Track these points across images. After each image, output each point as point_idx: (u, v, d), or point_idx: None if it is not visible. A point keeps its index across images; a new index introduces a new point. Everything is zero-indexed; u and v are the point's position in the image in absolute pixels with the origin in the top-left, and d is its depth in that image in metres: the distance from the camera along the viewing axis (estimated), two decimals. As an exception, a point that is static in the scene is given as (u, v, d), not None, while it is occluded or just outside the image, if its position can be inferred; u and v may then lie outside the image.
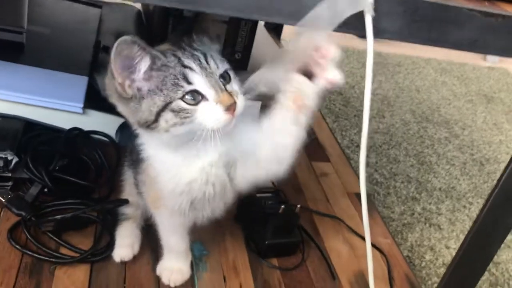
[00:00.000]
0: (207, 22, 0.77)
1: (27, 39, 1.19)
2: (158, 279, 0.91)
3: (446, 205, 1.71)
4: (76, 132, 1.10)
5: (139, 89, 0.68)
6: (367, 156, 1.90)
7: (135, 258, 0.94)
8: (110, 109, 1.11)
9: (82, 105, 1.09)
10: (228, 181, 0.78)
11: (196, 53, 0.70)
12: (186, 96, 0.67)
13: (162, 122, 0.68)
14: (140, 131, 0.74)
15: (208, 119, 0.68)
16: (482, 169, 1.97)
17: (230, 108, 0.68)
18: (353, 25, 0.58)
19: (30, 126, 1.07)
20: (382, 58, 2.73)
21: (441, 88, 2.59)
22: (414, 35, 0.61)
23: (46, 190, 0.99)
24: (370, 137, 2.00)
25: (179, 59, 0.69)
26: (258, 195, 1.04)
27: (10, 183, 0.99)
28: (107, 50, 1.33)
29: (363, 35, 0.58)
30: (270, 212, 0.99)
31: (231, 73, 0.72)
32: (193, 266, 0.94)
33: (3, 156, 0.97)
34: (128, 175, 0.99)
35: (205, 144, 0.71)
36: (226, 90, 0.69)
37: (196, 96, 0.68)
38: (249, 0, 0.55)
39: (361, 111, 0.71)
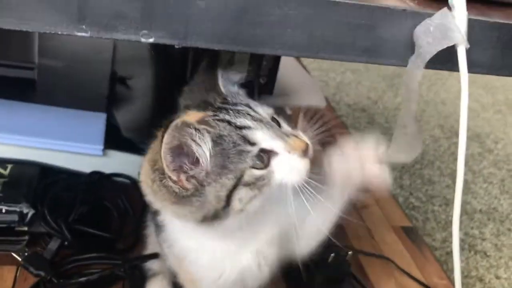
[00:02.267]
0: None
1: (38, 75, 1.10)
2: None
3: (490, 228, 1.60)
4: (96, 176, 1.00)
5: (195, 178, 0.55)
6: (400, 178, 1.78)
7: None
8: (132, 148, 1.03)
9: (102, 147, 0.99)
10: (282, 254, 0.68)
11: (240, 107, 0.59)
12: (256, 161, 0.56)
13: (235, 203, 0.56)
14: (193, 227, 0.60)
15: (288, 174, 0.57)
16: (522, 186, 1.85)
17: (306, 151, 0.57)
18: (436, 61, 0.48)
19: (46, 171, 0.98)
20: (402, 69, 2.63)
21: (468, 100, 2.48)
22: (507, 67, 0.51)
23: (66, 243, 0.89)
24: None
25: (229, 122, 0.57)
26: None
27: (26, 238, 0.90)
28: (123, 81, 1.24)
29: (451, 69, 0.48)
30: (317, 261, 0.88)
31: (275, 114, 0.62)
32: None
33: (18, 209, 0.87)
34: (151, 229, 0.88)
35: (265, 218, 0.61)
36: (289, 134, 0.59)
37: (264, 157, 0.56)
38: (316, 34, 0.44)
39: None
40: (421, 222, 1.56)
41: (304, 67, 1.82)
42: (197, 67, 1.25)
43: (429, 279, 1.02)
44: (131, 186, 1.04)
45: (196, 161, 0.55)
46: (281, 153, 0.57)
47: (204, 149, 0.54)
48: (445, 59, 0.48)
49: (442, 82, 2.61)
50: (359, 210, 1.19)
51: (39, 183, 0.95)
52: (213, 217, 0.57)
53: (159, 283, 0.86)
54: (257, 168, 0.56)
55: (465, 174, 1.93)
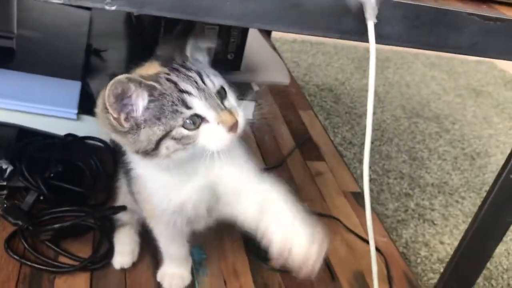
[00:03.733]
0: (201, 26, 0.76)
1: (17, 44, 1.17)
2: (159, 285, 0.91)
3: (439, 200, 1.73)
4: (70, 138, 1.09)
5: (135, 120, 0.66)
6: (359, 153, 1.90)
7: (135, 264, 0.93)
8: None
9: (76, 111, 1.08)
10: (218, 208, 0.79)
11: (191, 74, 0.68)
12: (187, 121, 0.66)
13: (162, 150, 0.66)
14: (135, 156, 0.72)
15: (211, 141, 0.67)
16: (473, 164, 1.98)
17: (233, 127, 0.67)
18: (354, 31, 0.58)
19: (23, 133, 1.06)
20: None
21: (431, 83, 2.61)
22: (414, 40, 0.61)
23: (42, 198, 0.98)
24: (361, 134, 2.01)
25: (176, 84, 0.66)
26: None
27: (5, 192, 0.98)
28: (98, 53, 1.32)
29: (365, 41, 0.58)
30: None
31: (226, 87, 0.71)
32: (193, 271, 0.94)
33: (-2, 165, 0.96)
34: (122, 183, 0.98)
35: (197, 167, 0.71)
36: (225, 107, 0.68)
37: (196, 120, 0.66)
38: (248, 9, 0.54)
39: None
40: (376, 193, 1.68)
41: (274, 47, 1.91)
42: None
43: (371, 237, 1.13)
44: (103, 149, 1.14)
45: (136, 108, 0.65)
46: (211, 122, 0.67)
47: (141, 101, 0.65)
48: (359, 32, 0.58)
49: (408, 66, 2.74)
50: (313, 176, 1.30)
51: (17, 143, 1.04)
52: (144, 153, 0.68)
53: (127, 232, 0.96)
54: (186, 129, 0.66)
55: (421, 151, 2.08)
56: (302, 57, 2.59)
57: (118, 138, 0.69)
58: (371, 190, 1.68)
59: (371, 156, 1.87)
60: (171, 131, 0.65)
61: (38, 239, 0.92)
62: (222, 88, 0.70)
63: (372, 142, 1.96)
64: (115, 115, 0.64)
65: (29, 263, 0.88)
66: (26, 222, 0.92)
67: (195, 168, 0.73)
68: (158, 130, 0.65)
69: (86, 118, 1.11)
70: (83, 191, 1.02)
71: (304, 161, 1.35)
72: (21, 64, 1.15)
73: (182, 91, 0.66)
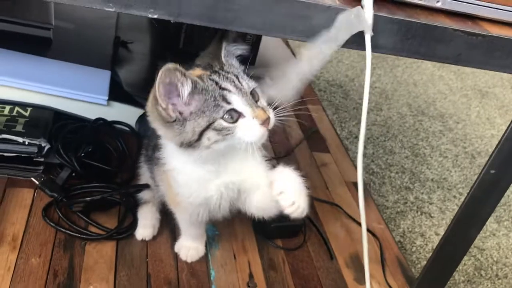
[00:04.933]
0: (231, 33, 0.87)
1: (54, 35, 1.29)
2: (176, 255, 1.02)
3: (438, 195, 1.83)
4: (100, 122, 1.21)
5: (181, 113, 0.76)
6: (364, 147, 2.01)
7: (155, 237, 1.05)
8: (131, 101, 1.23)
9: (106, 98, 1.19)
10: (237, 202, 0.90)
11: (229, 75, 0.79)
12: (226, 116, 0.76)
13: (204, 140, 0.77)
14: (176, 150, 0.82)
15: (246, 133, 0.77)
16: (473, 162, 2.08)
17: (265, 122, 0.77)
18: (354, 42, 0.69)
19: (58, 116, 1.18)
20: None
21: (438, 83, 2.69)
22: (406, 50, 0.72)
23: (74, 174, 1.10)
24: (367, 129, 2.11)
25: (217, 82, 0.77)
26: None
27: (42, 167, 1.10)
28: (125, 45, 1.43)
29: (362, 50, 0.69)
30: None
31: (258, 90, 0.81)
32: (207, 245, 1.06)
33: (38, 143, 1.07)
34: (144, 169, 1.09)
35: (228, 163, 0.83)
36: (259, 106, 0.79)
37: (234, 115, 0.76)
38: (269, 19, 0.65)
39: (360, 103, 0.83)
40: (378, 185, 1.79)
41: (288, 44, 2.01)
42: (188, 38, 1.45)
43: (369, 224, 1.24)
44: (129, 133, 1.25)
45: (183, 100, 0.75)
46: (247, 117, 0.77)
47: (185, 90, 0.75)
48: (358, 42, 0.68)
49: (417, 65, 2.82)
50: (318, 166, 1.41)
51: (53, 125, 1.16)
52: (187, 145, 0.78)
53: (149, 209, 1.07)
54: (226, 121, 0.76)
55: (424, 148, 2.18)
56: (314, 53, 2.67)
57: (165, 132, 0.79)
58: (373, 183, 1.79)
59: (375, 150, 1.98)
60: (213, 122, 0.76)
61: (71, 210, 1.04)
62: (255, 90, 0.80)
63: (377, 138, 2.06)
64: (163, 105, 0.74)
65: (63, 230, 1.00)
66: (61, 194, 1.04)
67: (226, 164, 0.84)
68: (202, 121, 0.75)
69: (115, 104, 1.23)
70: (110, 170, 1.14)
71: (310, 152, 1.46)
72: (57, 53, 1.26)
73: (222, 88, 0.77)
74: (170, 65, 0.72)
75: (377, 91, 2.42)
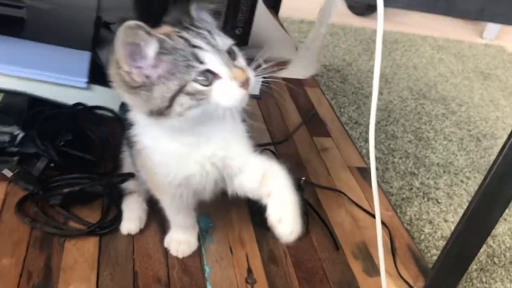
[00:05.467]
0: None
1: (27, 14, 1.18)
2: (166, 251, 0.92)
3: (444, 180, 1.74)
4: (80, 107, 1.11)
5: (148, 76, 0.66)
6: (365, 133, 1.91)
7: (142, 230, 0.95)
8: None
9: (86, 80, 1.09)
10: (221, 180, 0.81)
11: (201, 31, 0.69)
12: (199, 77, 0.66)
13: (176, 107, 0.67)
14: (146, 120, 0.72)
15: (224, 97, 0.67)
16: (479, 145, 1.99)
17: (244, 83, 0.68)
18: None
19: (34, 101, 1.08)
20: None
21: (438, 65, 2.60)
22: (423, 4, 0.62)
23: (52, 164, 1.00)
24: (368, 114, 2.01)
25: (187, 40, 0.67)
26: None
27: (16, 158, 1.00)
28: (107, 26, 1.33)
29: (373, 3, 0.59)
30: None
31: (235, 48, 0.72)
32: (200, 238, 0.96)
33: (10, 131, 0.97)
34: (126, 155, 0.99)
35: (206, 134, 0.73)
36: (236, 66, 0.69)
37: (209, 76, 0.67)
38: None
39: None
40: (381, 171, 1.69)
41: (282, 26, 1.91)
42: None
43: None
44: (112, 118, 1.15)
45: (149, 61, 0.66)
46: (223, 78, 0.67)
47: (150, 50, 0.65)
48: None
49: (416, 48, 2.73)
50: (319, 151, 1.31)
51: (28, 112, 1.05)
52: (157, 113, 0.68)
53: (135, 199, 0.97)
54: (200, 84, 0.66)
55: (427, 131, 2.07)
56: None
57: (131, 99, 0.69)
58: (376, 168, 1.69)
59: (377, 135, 1.88)
60: (185, 86, 0.66)
61: (48, 203, 0.94)
62: (231, 48, 0.70)
63: (378, 122, 1.97)
64: (126, 69, 0.65)
65: (39, 225, 0.90)
66: (37, 186, 0.94)
67: (206, 135, 0.74)
68: (172, 85, 0.66)
69: (96, 87, 1.12)
70: (92, 159, 1.04)
71: (310, 137, 1.36)
72: (32, 34, 1.16)
73: (194, 46, 0.67)
74: (130, 22, 0.62)
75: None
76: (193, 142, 0.75)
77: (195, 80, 0.66)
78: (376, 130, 1.97)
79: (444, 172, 1.78)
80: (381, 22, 0.60)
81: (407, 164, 1.76)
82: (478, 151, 1.95)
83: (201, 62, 0.66)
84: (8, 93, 1.05)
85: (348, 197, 1.16)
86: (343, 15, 2.93)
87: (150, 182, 0.85)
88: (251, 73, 0.70)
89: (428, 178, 1.72)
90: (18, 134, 0.98)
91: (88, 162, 1.04)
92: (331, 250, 1.02)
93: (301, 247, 1.01)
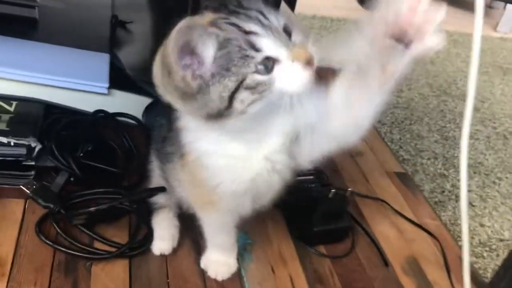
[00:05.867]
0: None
1: (40, 14, 1.09)
2: (202, 272, 0.84)
3: (476, 181, 1.65)
4: (101, 114, 1.01)
5: (202, 77, 0.58)
6: (390, 132, 1.82)
7: (175, 250, 0.86)
8: (136, 89, 1.04)
9: (107, 85, 1.00)
10: (291, 163, 0.70)
11: (251, 13, 0.59)
12: (259, 67, 0.57)
13: (237, 105, 0.58)
14: (203, 125, 0.63)
15: (289, 83, 0.58)
16: (506, 143, 1.91)
17: (308, 62, 0.58)
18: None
19: (50, 109, 0.99)
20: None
21: (455, 60, 2.52)
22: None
23: (72, 179, 0.91)
24: (390, 112, 1.93)
25: (238, 26, 0.58)
26: (299, 177, 0.96)
27: (33, 173, 0.91)
28: (124, 25, 1.24)
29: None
30: (317, 197, 0.92)
31: (290, 23, 0.61)
32: (239, 257, 0.87)
33: (26, 143, 0.88)
34: (155, 166, 0.90)
35: (267, 125, 0.64)
36: (295, 44, 0.59)
37: (268, 63, 0.57)
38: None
39: None
40: (411, 174, 1.60)
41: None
42: (196, 12, 1.26)
43: (421, 220, 1.06)
44: (135, 126, 1.06)
45: (202, 61, 0.57)
46: (284, 62, 0.58)
47: (209, 50, 0.56)
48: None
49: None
50: (354, 156, 1.22)
51: (44, 121, 0.96)
52: (217, 116, 0.59)
53: (166, 215, 0.88)
54: (260, 74, 0.57)
55: (452, 130, 1.98)
56: (322, 33, 2.50)
57: (186, 106, 0.61)
58: (405, 171, 1.61)
59: (402, 135, 1.80)
60: (244, 80, 0.57)
61: (71, 223, 0.85)
62: (286, 25, 0.60)
63: (401, 121, 1.88)
64: (181, 74, 0.56)
65: (63, 249, 0.81)
66: (57, 204, 0.85)
67: (265, 128, 0.65)
68: (230, 82, 0.57)
69: (117, 93, 1.03)
70: (116, 171, 0.95)
71: (342, 140, 1.28)
72: (45, 35, 1.07)
73: (247, 32, 0.57)
74: (186, 22, 0.54)
75: (394, 71, 2.24)
76: (254, 138, 0.66)
77: (255, 72, 0.57)
78: (400, 130, 1.89)
79: (475, 173, 1.69)
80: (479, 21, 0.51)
81: (436, 165, 1.68)
82: (507, 149, 1.86)
83: (258, 50, 0.57)
84: (22, 101, 0.95)
85: (391, 207, 1.07)
86: (354, 10, 2.85)
87: (201, 200, 0.76)
88: (313, 49, 0.60)
89: (459, 180, 1.62)
90: (35, 146, 0.89)
91: (111, 175, 0.95)
92: (379, 266, 0.93)
93: (348, 264, 0.92)
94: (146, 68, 1.13)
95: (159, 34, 1.24)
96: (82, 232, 0.85)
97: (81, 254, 0.81)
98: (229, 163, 0.67)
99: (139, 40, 1.22)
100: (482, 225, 1.47)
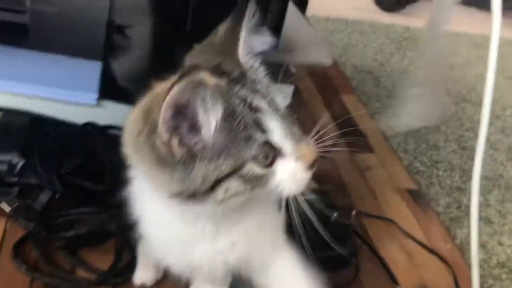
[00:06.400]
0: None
1: (31, 20, 1.04)
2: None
3: (495, 195, 1.56)
4: (89, 127, 0.96)
5: (190, 148, 0.49)
6: (405, 142, 1.74)
7: (160, 280, 0.80)
8: (128, 99, 0.97)
9: (96, 96, 0.94)
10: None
11: (258, 86, 0.51)
12: (259, 155, 0.49)
13: (219, 193, 0.49)
14: (161, 197, 0.54)
15: (287, 183, 0.51)
16: (529, 154, 1.81)
17: (313, 164, 0.51)
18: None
19: (36, 121, 0.94)
20: (411, 33, 2.56)
21: (476, 64, 2.42)
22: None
23: (57, 196, 0.86)
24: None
25: (245, 100, 0.49)
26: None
27: (16, 190, 0.86)
28: (121, 30, 1.18)
29: None
30: (319, 220, 0.85)
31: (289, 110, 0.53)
32: (232, 284, 0.81)
33: (8, 159, 0.83)
34: None
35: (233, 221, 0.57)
36: (301, 138, 0.52)
37: (269, 152, 0.50)
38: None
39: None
40: (425, 187, 1.52)
41: (311, 26, 1.76)
42: (198, 18, 1.20)
43: (434, 243, 1.00)
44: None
45: (196, 129, 0.49)
46: (288, 156, 0.51)
47: (211, 118, 0.48)
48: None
49: (450, 46, 2.55)
50: (363, 170, 1.15)
51: (29, 133, 0.91)
52: (189, 197, 0.50)
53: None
54: (260, 165, 0.50)
55: (470, 139, 1.88)
56: (336, 36, 2.42)
57: (155, 176, 0.51)
58: (419, 184, 1.53)
59: (418, 145, 1.72)
60: (241, 167, 0.49)
61: (52, 245, 0.80)
62: (286, 110, 0.52)
63: (417, 130, 1.80)
64: (165, 138, 0.48)
65: (39, 275, 0.75)
66: (39, 224, 0.80)
67: (232, 222, 0.58)
68: (224, 165, 0.48)
69: (108, 104, 0.98)
70: (103, 189, 0.89)
71: (350, 153, 1.21)
72: (34, 42, 1.02)
73: (255, 109, 0.49)
74: (197, 77, 0.45)
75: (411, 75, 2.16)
76: (211, 230, 0.58)
77: (254, 159, 0.49)
78: (415, 139, 1.80)
79: (494, 186, 1.60)
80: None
81: (452, 177, 1.59)
82: (529, 161, 1.77)
83: (263, 131, 0.49)
84: (6, 111, 0.90)
85: (401, 228, 1.00)
86: (370, 12, 2.77)
87: None
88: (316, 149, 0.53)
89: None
90: (17, 162, 0.84)
91: (98, 193, 0.89)
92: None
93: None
94: (140, 77, 1.08)
95: (158, 42, 1.18)
96: (64, 255, 0.79)
97: (61, 282, 0.75)
98: (165, 239, 0.60)
99: (136, 47, 1.17)
100: (500, 244, 1.38)
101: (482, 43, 2.66)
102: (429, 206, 1.14)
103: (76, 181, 0.87)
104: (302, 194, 0.54)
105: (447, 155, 1.71)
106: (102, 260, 0.80)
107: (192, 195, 0.50)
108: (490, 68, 0.53)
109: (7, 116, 0.90)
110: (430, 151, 1.71)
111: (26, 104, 0.92)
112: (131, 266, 0.79)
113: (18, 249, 0.78)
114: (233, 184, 0.49)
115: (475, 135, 1.86)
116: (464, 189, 1.56)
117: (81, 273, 0.78)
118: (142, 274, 0.78)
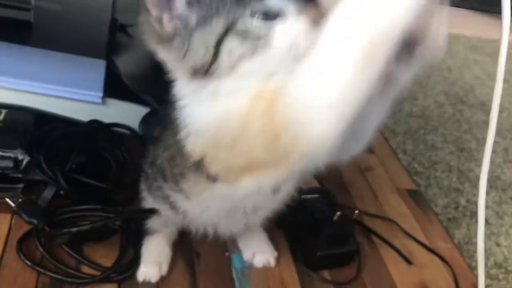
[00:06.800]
0: None
1: (35, 17, 1.04)
2: (196, 299, 0.78)
3: (492, 196, 1.57)
4: (94, 125, 0.96)
5: (183, 21, 0.51)
6: (404, 143, 1.74)
7: (167, 275, 0.80)
8: (133, 98, 0.98)
9: (101, 94, 0.95)
10: None
11: None
12: (256, 13, 0.49)
13: (224, 58, 0.50)
14: (193, 88, 0.55)
15: (292, 40, 0.50)
16: (526, 156, 1.83)
17: (317, 15, 0.50)
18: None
19: (41, 119, 0.94)
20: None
21: (473, 67, 2.44)
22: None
23: (62, 193, 0.86)
24: (404, 122, 1.86)
25: None
26: (303, 196, 0.90)
27: (21, 186, 0.86)
28: (124, 29, 1.18)
29: None
30: (322, 218, 0.86)
31: None
32: (235, 282, 0.81)
33: (13, 155, 0.83)
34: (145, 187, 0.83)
35: None
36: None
37: (265, 9, 0.49)
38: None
39: None
40: (423, 188, 1.53)
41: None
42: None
43: (433, 242, 1.01)
44: (131, 137, 1.01)
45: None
46: (289, 15, 0.50)
47: None
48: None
49: (448, 49, 2.56)
50: (363, 171, 1.16)
51: (35, 131, 0.92)
52: (203, 71, 0.52)
53: (157, 242, 0.82)
54: (256, 19, 0.50)
55: (468, 141, 1.89)
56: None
57: (167, 57, 0.54)
58: (417, 184, 1.55)
59: (416, 146, 1.73)
60: (235, 23, 0.49)
61: (55, 242, 0.80)
62: None
63: (416, 131, 1.81)
64: (155, 14, 0.50)
65: (45, 271, 0.75)
66: (42, 220, 0.80)
67: None
68: (217, 24, 0.49)
69: (112, 102, 0.98)
70: (107, 187, 0.90)
71: (351, 153, 1.22)
72: (39, 40, 1.02)
73: None
74: None
75: (409, 78, 2.17)
76: None
77: (248, 16, 0.49)
78: (414, 140, 1.81)
79: (491, 187, 1.62)
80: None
81: (450, 178, 1.60)
82: (526, 163, 1.79)
83: None
84: (11, 109, 0.91)
85: (401, 227, 1.01)
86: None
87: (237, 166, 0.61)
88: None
89: (474, 195, 1.56)
90: (22, 158, 0.84)
91: (102, 190, 0.90)
92: (387, 293, 0.87)
93: (353, 291, 0.86)
94: (145, 75, 1.08)
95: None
96: (68, 251, 0.80)
97: (64, 278, 0.75)
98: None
99: (140, 46, 1.17)
100: (498, 245, 1.39)
101: (479, 46, 2.68)
102: (429, 206, 1.16)
103: (80, 178, 0.87)
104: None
105: (445, 156, 1.72)
106: (106, 256, 0.80)
107: (205, 69, 0.51)
108: (499, 76, 0.53)
109: (13, 113, 0.90)
110: (428, 152, 1.72)
111: (31, 101, 0.92)
112: (135, 262, 0.79)
113: (23, 245, 0.79)
114: (233, 44, 0.50)
115: (473, 137, 1.89)
116: (461, 190, 1.57)
117: (85, 269, 0.78)
118: (145, 269, 0.78)
